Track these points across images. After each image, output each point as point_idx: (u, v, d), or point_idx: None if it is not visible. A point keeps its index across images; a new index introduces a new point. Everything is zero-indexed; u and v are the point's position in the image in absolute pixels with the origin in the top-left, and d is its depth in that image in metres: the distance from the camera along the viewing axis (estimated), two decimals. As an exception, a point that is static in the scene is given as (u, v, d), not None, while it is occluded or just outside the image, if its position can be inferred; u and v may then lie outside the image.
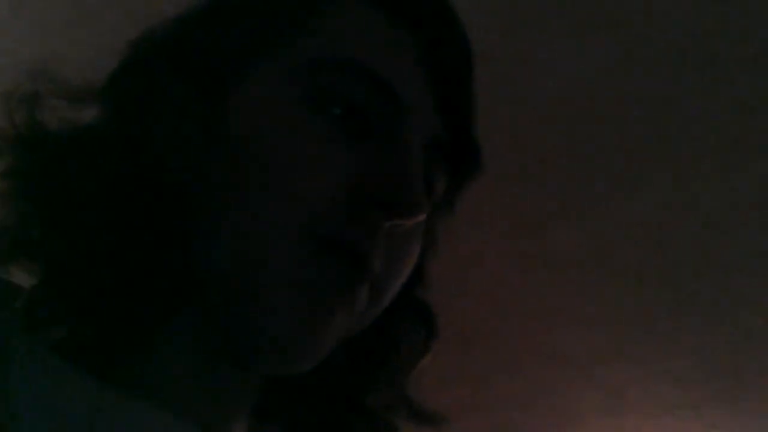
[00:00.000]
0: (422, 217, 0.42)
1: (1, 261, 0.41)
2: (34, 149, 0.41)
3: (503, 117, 1.44)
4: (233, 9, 0.46)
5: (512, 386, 2.43)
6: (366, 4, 0.46)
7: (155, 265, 0.40)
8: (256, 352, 0.41)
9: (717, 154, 1.52)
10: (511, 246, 1.81)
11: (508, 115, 1.44)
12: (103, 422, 0.37)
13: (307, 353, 0.41)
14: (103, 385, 0.38)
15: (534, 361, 2.28)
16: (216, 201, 0.41)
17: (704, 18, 1.25)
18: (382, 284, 0.43)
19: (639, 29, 1.28)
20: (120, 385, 0.38)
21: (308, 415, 0.50)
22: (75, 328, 0.40)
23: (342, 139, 0.42)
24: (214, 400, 0.43)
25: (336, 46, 0.44)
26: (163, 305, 0.41)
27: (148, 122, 0.42)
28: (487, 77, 1.37)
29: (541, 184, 1.63)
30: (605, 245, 1.80)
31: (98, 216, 0.39)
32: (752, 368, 2.25)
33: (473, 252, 1.80)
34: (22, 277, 0.42)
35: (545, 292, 1.98)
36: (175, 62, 0.44)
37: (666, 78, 1.36)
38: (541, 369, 2.32)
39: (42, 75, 0.42)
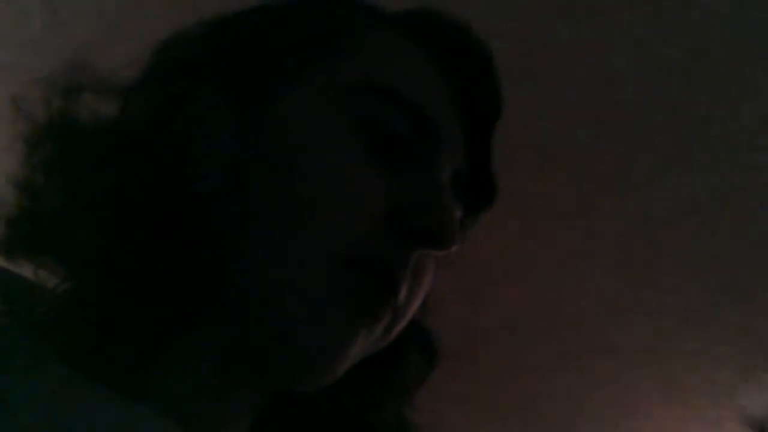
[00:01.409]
0: (455, 249, 0.42)
1: (27, 254, 0.40)
2: (68, 142, 0.41)
3: (542, 102, 1.42)
4: (277, 21, 0.46)
5: (567, 378, 2.40)
6: (407, 36, 0.47)
7: (182, 275, 0.39)
8: (280, 368, 0.41)
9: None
10: (556, 234, 1.79)
11: (546, 99, 1.41)
12: (103, 427, 0.36)
13: (328, 372, 0.41)
14: (108, 392, 0.37)
15: (588, 352, 2.25)
16: (249, 215, 0.41)
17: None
18: (402, 310, 0.44)
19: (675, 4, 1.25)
20: (127, 394, 0.38)
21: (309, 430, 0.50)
22: (86, 334, 0.39)
23: (380, 166, 0.42)
24: (219, 413, 0.43)
25: (380, 72, 0.44)
26: (186, 317, 0.40)
27: (183, 126, 0.41)
28: (528, 62, 1.34)
29: (583, 167, 1.60)
30: (655, 228, 1.75)
31: (128, 218, 0.39)
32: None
33: (520, 242, 1.78)
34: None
35: (595, 281, 1.95)
36: (213, 68, 0.43)
37: (717, 55, 1.32)
38: (597, 360, 2.28)
39: (79, 67, 0.42)
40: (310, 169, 0.41)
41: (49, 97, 0.41)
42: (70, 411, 0.36)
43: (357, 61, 0.44)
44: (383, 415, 0.51)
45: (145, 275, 0.39)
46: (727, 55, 1.32)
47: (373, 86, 0.43)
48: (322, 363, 0.40)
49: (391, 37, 0.47)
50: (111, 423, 0.37)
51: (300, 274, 0.40)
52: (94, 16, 1.26)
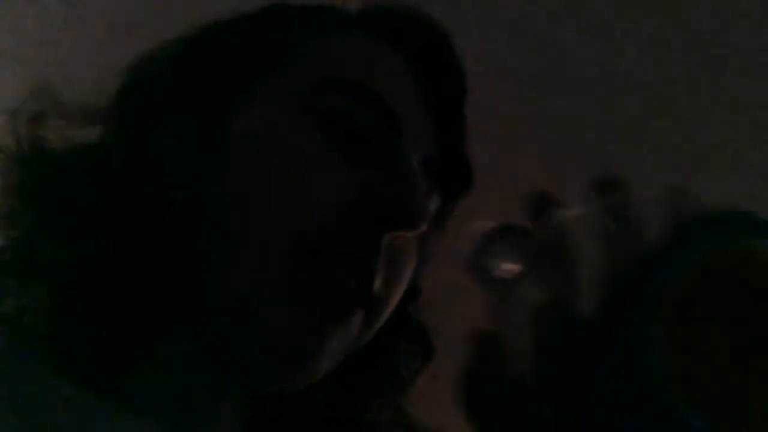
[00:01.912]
0: (423, 228, 0.43)
1: (9, 278, 0.42)
2: (39, 167, 0.43)
3: (547, 98, 1.42)
4: (237, 31, 0.48)
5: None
6: (368, 30, 0.49)
7: (157, 284, 0.40)
8: (257, 367, 0.41)
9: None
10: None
11: (555, 103, 1.41)
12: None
13: (306, 368, 0.41)
14: (92, 397, 0.38)
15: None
16: (216, 218, 0.42)
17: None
18: (381, 300, 0.44)
19: None
20: (111, 399, 0.39)
21: None
22: (68, 343, 0.40)
23: (345, 157, 0.43)
24: (205, 417, 0.43)
25: (340, 69, 0.45)
26: (166, 321, 0.41)
27: (150, 143, 0.43)
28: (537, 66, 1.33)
29: (585, 169, 1.59)
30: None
31: (102, 234, 0.40)
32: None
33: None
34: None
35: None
36: (177, 85, 0.45)
37: (718, 57, 1.31)
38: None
39: (45, 95, 0.44)
40: (273, 166, 0.42)
41: (16, 125, 0.43)
42: (56, 417, 0.37)
43: (322, 57, 0.46)
44: (377, 412, 0.51)
45: (120, 286, 0.40)
46: (728, 57, 1.32)
47: (334, 82, 0.45)
48: (298, 358, 0.41)
49: (350, 34, 0.49)
50: (95, 429, 0.38)
51: (266, 269, 0.40)
52: (112, 11, 1.27)
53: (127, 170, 0.42)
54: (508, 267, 0.32)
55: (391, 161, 0.44)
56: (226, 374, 0.43)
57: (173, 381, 0.42)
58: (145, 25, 1.29)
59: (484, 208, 0.46)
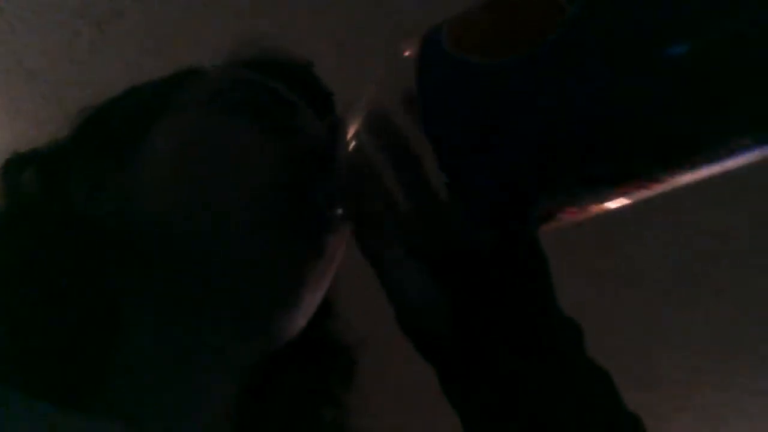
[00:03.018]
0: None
1: None
2: None
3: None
4: (137, 89, 0.53)
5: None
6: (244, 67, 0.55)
7: (105, 299, 0.43)
8: (222, 316, 0.44)
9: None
10: (588, 265, 1.76)
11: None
12: None
13: (286, 306, 0.44)
14: (60, 410, 0.38)
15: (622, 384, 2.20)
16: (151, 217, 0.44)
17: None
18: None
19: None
20: (79, 409, 0.39)
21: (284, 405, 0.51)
22: (32, 360, 0.40)
23: (257, 131, 0.46)
24: (177, 408, 0.43)
25: (232, 74, 0.51)
26: (113, 329, 0.43)
27: (72, 191, 0.46)
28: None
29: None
30: (689, 259, 1.72)
31: (48, 270, 0.43)
32: None
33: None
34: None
35: (630, 312, 1.91)
36: (90, 140, 0.49)
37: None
38: (629, 393, 2.23)
39: None
40: (192, 160, 0.45)
41: None
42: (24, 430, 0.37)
43: (202, 83, 0.50)
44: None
45: (71, 319, 0.42)
46: None
47: (235, 78, 0.49)
48: (266, 299, 0.43)
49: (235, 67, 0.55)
50: None
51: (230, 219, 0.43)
52: (141, 35, 1.29)
53: (65, 221, 0.45)
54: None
55: (300, 130, 0.48)
56: (197, 339, 0.44)
57: (140, 378, 0.43)
58: (175, 48, 1.32)
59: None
